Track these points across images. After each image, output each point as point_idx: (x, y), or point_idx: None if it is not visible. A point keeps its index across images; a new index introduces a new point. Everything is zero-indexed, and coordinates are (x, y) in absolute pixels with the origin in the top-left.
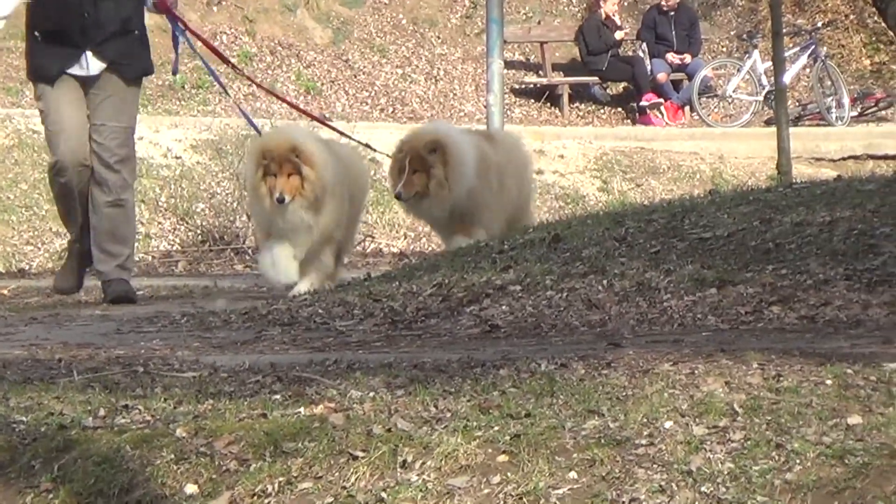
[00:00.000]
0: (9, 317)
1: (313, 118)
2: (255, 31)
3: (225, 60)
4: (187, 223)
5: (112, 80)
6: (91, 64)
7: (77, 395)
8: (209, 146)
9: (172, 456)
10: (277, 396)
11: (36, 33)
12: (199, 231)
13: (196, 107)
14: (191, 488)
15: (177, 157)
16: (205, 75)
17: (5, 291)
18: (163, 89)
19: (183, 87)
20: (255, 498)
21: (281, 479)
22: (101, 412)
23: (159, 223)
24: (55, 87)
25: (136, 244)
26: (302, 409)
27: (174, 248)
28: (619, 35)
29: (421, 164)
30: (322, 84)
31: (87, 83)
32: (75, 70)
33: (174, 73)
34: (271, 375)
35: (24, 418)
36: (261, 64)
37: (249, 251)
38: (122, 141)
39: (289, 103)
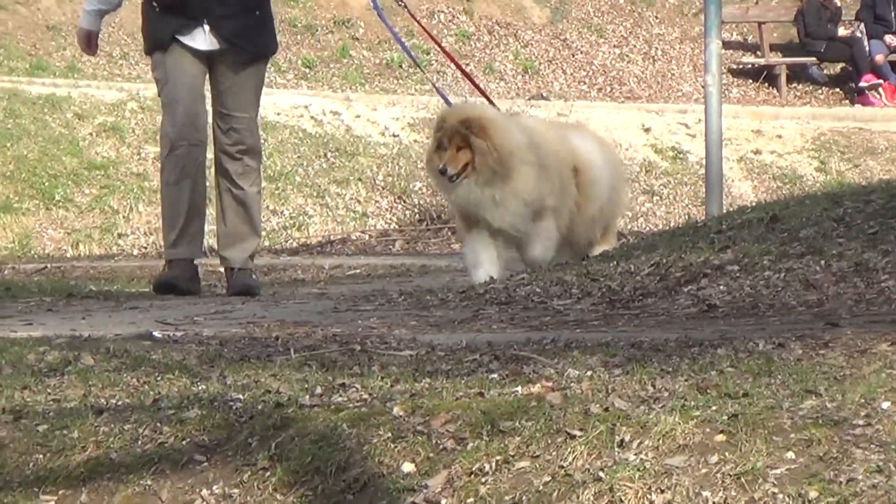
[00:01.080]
0: (225, 295)
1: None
2: (472, 11)
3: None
4: (404, 202)
5: (230, 61)
6: (208, 39)
7: (294, 373)
8: (426, 125)
9: (389, 434)
10: (495, 375)
11: (154, 3)
12: (416, 210)
13: (413, 86)
14: (408, 467)
15: (394, 136)
16: (422, 54)
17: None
18: (380, 68)
19: (400, 66)
20: (473, 476)
21: (498, 457)
22: (318, 390)
23: (376, 202)
24: (169, 55)
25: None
26: (519, 388)
27: (391, 226)
28: (841, 32)
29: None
30: (539, 63)
31: (204, 58)
32: (190, 41)
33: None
34: (488, 354)
35: (241, 396)
36: (478, 43)
37: None
38: (244, 129)
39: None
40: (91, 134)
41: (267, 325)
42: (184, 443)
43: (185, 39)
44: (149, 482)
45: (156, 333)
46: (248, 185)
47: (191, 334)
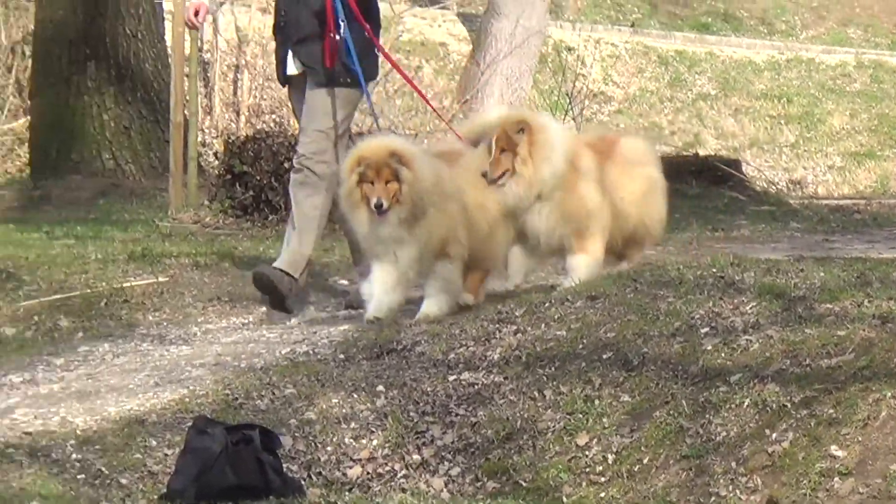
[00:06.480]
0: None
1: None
2: None
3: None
4: None
5: (307, 82)
6: (290, 64)
7: None
8: None
9: None
10: None
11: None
12: None
13: None
14: None
15: None
16: None
17: None
18: None
19: None
20: None
21: None
22: None
23: None
24: (290, 91)
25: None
26: None
27: None
28: None
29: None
30: None
31: (297, 82)
32: (290, 69)
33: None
34: None
35: None
36: None
37: None
38: (308, 142)
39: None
40: None
41: None
42: None
43: (288, 71)
44: None
45: None
46: (304, 196)
47: None
